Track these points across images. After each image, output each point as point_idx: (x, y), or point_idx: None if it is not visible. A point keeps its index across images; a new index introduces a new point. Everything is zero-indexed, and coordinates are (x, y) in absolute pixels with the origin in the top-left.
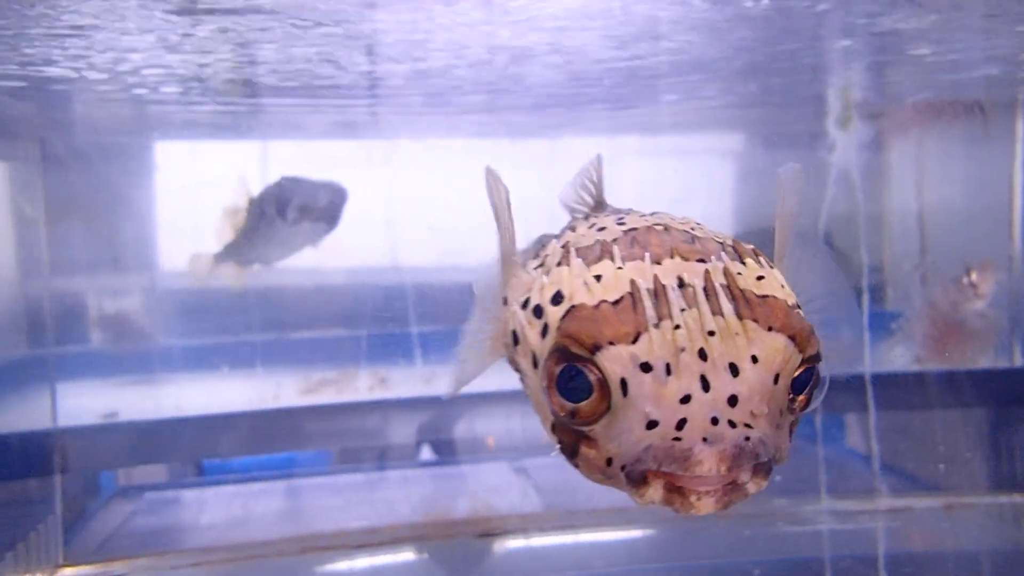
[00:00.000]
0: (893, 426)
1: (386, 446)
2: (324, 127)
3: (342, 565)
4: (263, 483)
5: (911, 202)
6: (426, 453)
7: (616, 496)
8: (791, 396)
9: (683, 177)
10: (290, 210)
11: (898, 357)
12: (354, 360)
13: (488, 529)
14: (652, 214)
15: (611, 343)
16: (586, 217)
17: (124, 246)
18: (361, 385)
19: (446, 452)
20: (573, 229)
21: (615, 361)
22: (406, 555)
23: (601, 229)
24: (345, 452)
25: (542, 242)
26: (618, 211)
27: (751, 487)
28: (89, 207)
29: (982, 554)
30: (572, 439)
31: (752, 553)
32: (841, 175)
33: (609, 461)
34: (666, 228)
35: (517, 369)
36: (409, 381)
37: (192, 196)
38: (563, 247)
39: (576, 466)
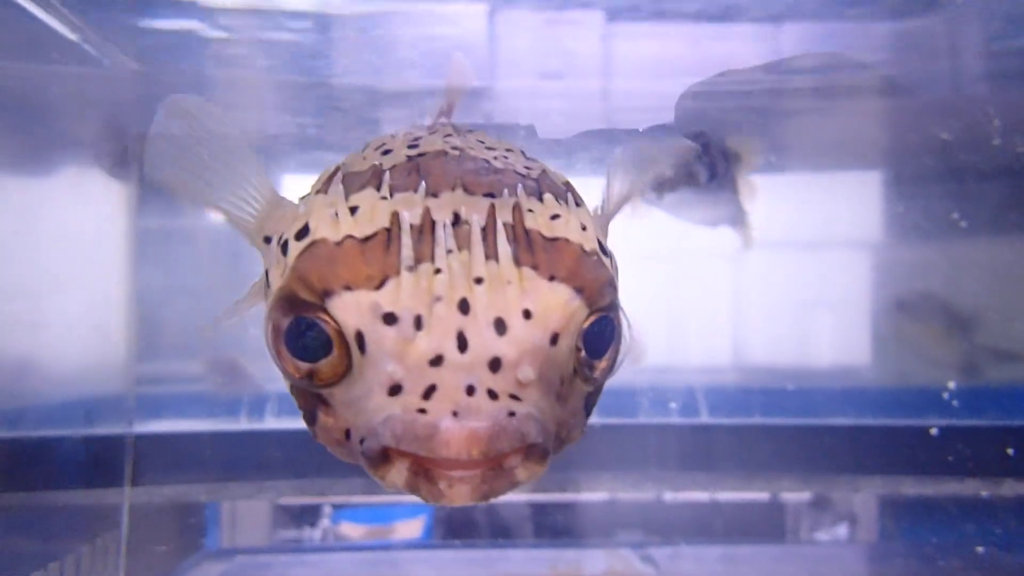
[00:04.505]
0: None
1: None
2: None
3: None
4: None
5: None
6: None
7: None
8: (587, 360)
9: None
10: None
11: None
12: None
13: None
14: (461, 135)
15: (348, 288)
16: (393, 134)
17: None
18: None
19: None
20: (363, 148)
21: (349, 310)
22: None
23: (386, 152)
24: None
25: None
26: (428, 128)
27: (521, 474)
28: None
29: None
30: (310, 404)
31: None
32: None
33: (348, 433)
34: (461, 154)
35: None
36: None
37: None
38: (335, 169)
39: (315, 436)
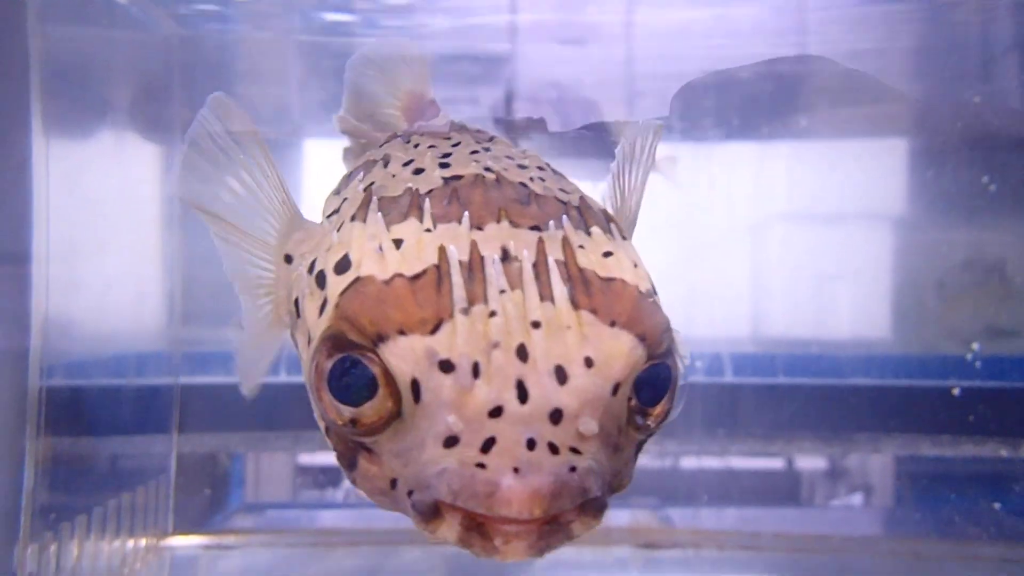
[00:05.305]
0: None
1: None
2: None
3: None
4: None
5: None
6: None
7: None
8: (640, 408)
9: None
10: None
11: None
12: None
13: None
14: (487, 148)
15: (401, 332)
16: (407, 139)
17: None
18: None
19: None
20: (386, 162)
21: (405, 356)
22: None
23: (418, 171)
24: None
25: (351, 172)
26: (446, 137)
27: (577, 528)
28: None
29: None
30: (349, 449)
31: None
32: None
33: (394, 483)
34: (498, 179)
35: (296, 346)
36: None
37: None
38: (365, 191)
39: (354, 482)
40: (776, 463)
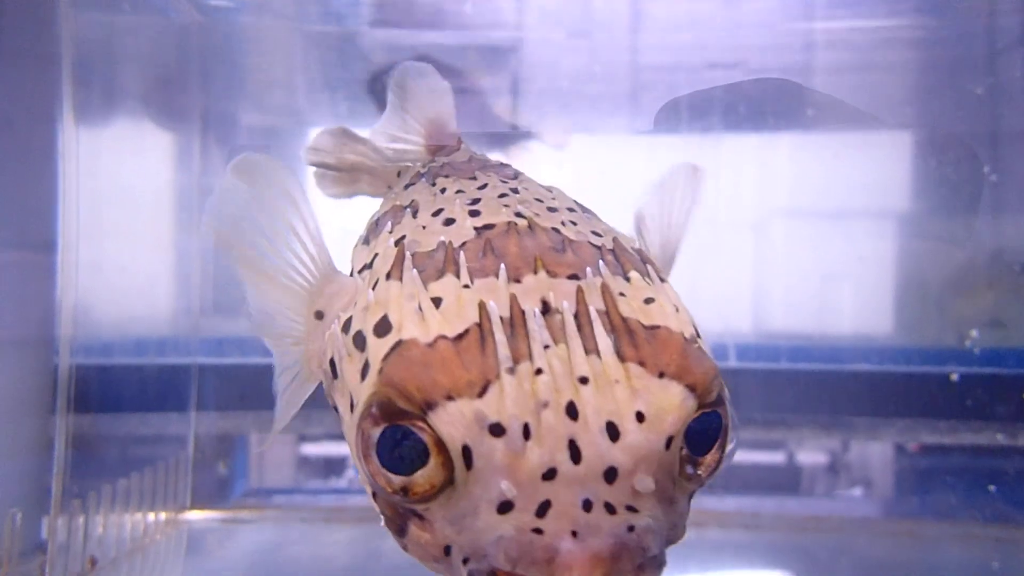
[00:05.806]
0: None
1: None
2: None
3: None
4: None
5: None
6: None
7: None
8: (690, 457)
9: None
10: None
11: None
12: None
13: None
14: (514, 189)
15: (449, 397)
16: (432, 182)
17: None
18: None
19: None
20: (414, 211)
21: (455, 423)
22: None
23: (449, 222)
24: None
25: (377, 218)
26: (471, 177)
27: None
28: None
29: None
30: (399, 515)
31: None
32: None
33: (447, 549)
34: (531, 226)
35: (335, 406)
36: None
37: None
38: (397, 244)
39: (405, 548)
40: (777, 454)
